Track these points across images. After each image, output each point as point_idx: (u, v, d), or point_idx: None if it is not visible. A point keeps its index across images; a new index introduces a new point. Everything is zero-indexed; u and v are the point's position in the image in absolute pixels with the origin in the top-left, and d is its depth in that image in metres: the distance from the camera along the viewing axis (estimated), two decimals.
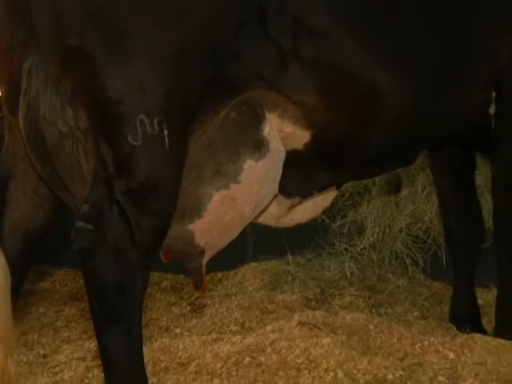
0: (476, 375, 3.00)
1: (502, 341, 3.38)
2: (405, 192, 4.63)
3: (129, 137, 2.41)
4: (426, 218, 4.53)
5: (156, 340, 3.63)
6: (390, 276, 4.66)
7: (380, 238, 4.79)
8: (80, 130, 2.51)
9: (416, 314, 4.21)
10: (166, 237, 2.62)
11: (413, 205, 4.61)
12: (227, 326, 3.88)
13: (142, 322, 3.79)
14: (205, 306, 4.29)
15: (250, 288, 4.63)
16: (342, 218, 4.93)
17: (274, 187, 2.85)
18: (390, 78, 2.87)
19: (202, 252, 2.80)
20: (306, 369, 3.13)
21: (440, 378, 3.02)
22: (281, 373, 3.12)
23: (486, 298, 4.20)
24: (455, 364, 3.16)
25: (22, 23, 2.56)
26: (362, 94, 2.84)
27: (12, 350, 2.52)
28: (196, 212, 2.69)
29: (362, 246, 4.82)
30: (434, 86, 3.07)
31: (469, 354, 3.27)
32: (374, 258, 4.77)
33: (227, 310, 4.07)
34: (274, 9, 2.61)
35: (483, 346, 3.31)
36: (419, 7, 2.95)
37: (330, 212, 4.75)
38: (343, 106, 2.82)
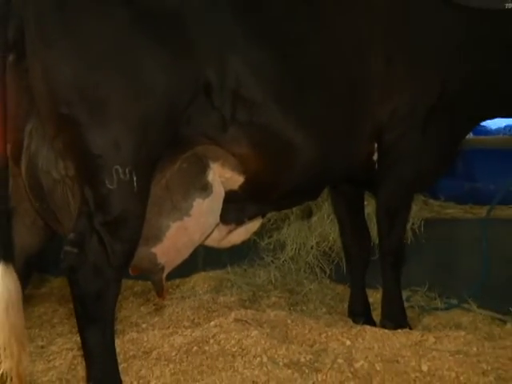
0: (366, 357, 2.97)
1: (386, 330, 3.39)
2: (314, 218, 4.60)
3: (106, 182, 2.41)
4: (331, 237, 4.51)
5: (127, 333, 3.57)
6: (305, 281, 4.62)
7: (297, 253, 4.75)
8: (69, 178, 2.51)
9: (323, 310, 4.18)
10: (135, 257, 2.59)
11: (321, 228, 4.58)
12: (181, 322, 3.81)
13: (118, 319, 3.75)
14: (165, 307, 4.19)
15: (200, 291, 4.55)
16: (268, 238, 4.88)
17: (216, 218, 2.87)
18: (304, 136, 2.90)
19: (162, 268, 2.79)
20: (239, 355, 3.10)
21: (339, 361, 2.97)
22: (220, 358, 3.09)
23: (376, 296, 4.17)
24: (351, 349, 3.13)
25: (26, 96, 2.54)
26: (282, 148, 2.86)
27: (25, 347, 2.47)
28: (157, 238, 2.69)
29: (283, 259, 4.77)
30: (334, 142, 3.10)
31: (361, 341, 3.26)
32: (293, 267, 4.73)
33: (182, 309, 3.99)
34: (217, 86, 2.63)
35: (372, 335, 3.31)
36: (325, 86, 2.98)
37: (260, 233, 4.69)
38: (269, 157, 2.83)
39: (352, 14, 3.14)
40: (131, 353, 3.29)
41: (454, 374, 2.76)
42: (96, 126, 2.41)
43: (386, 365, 2.88)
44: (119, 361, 3.11)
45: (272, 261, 4.82)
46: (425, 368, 2.82)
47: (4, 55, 2.47)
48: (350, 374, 2.81)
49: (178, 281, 4.92)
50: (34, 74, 2.45)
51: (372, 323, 3.76)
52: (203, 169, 2.73)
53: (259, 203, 3.05)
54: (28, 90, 2.50)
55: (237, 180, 2.84)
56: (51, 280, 5.45)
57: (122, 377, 2.87)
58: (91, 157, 2.42)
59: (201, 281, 4.80)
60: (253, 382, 2.74)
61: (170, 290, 4.65)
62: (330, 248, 4.59)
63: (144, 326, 3.88)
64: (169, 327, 3.70)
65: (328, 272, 4.69)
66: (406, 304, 3.97)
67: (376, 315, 3.86)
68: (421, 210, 4.37)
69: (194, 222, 2.73)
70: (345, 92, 3.07)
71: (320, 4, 3.03)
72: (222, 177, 2.81)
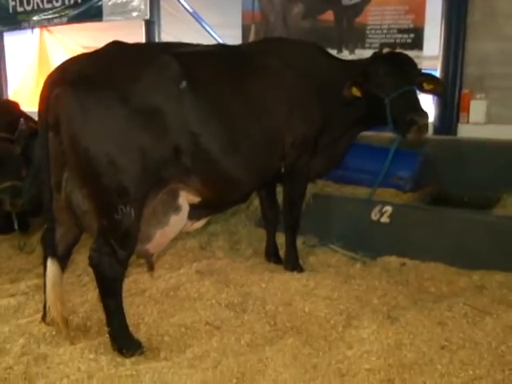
0: (273, 302, 3.07)
1: (286, 276, 3.38)
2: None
3: (115, 215, 2.49)
4: (256, 203, 4.55)
5: (131, 275, 3.53)
6: (239, 228, 4.67)
7: (235, 211, 4.81)
8: (91, 211, 2.57)
9: (250, 251, 4.10)
10: (134, 251, 2.69)
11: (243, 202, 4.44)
12: (163, 265, 3.77)
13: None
14: None
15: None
16: None
17: (185, 222, 2.96)
18: (240, 174, 2.98)
19: (152, 255, 2.90)
20: (198, 299, 3.13)
21: (257, 302, 3.06)
22: (186, 301, 3.12)
23: (283, 238, 3.93)
24: (264, 293, 3.18)
25: (62, 157, 2.55)
26: (225, 183, 2.94)
27: (64, 305, 2.64)
28: (148, 240, 2.78)
29: (227, 214, 4.82)
30: (261, 166, 3.19)
31: (271, 285, 3.30)
32: (232, 221, 4.80)
33: (165, 255, 3.97)
34: (183, 150, 2.67)
35: (278, 280, 3.34)
36: (253, 139, 3.02)
37: None
38: (216, 189, 2.92)
39: (267, 87, 3.18)
40: (133, 291, 3.34)
41: (323, 314, 2.93)
42: (108, 182, 2.46)
43: (285, 307, 3.02)
44: (127, 296, 3.12)
45: (221, 215, 4.80)
46: (307, 309, 2.98)
47: (47, 132, 2.50)
48: (263, 315, 2.94)
49: None
50: (66, 146, 2.47)
51: (280, 261, 3.89)
52: (176, 197, 2.80)
53: (211, 209, 3.16)
54: (63, 154, 2.53)
55: (196, 199, 2.92)
56: None
57: (128, 309, 2.91)
58: (105, 201, 2.50)
59: None
60: (206, 322, 2.85)
61: None
62: (256, 209, 4.62)
63: (142, 261, 3.59)
64: (157, 268, 3.59)
65: (241, 222, 4.71)
66: (303, 245, 4.07)
67: (282, 253, 3.86)
68: (312, 187, 4.41)
69: (171, 229, 2.82)
70: (266, 138, 3.15)
71: (246, 84, 3.06)
72: (188, 198, 2.88)
